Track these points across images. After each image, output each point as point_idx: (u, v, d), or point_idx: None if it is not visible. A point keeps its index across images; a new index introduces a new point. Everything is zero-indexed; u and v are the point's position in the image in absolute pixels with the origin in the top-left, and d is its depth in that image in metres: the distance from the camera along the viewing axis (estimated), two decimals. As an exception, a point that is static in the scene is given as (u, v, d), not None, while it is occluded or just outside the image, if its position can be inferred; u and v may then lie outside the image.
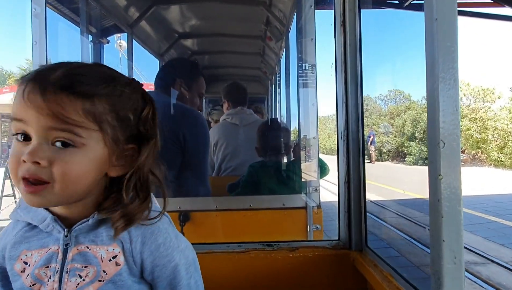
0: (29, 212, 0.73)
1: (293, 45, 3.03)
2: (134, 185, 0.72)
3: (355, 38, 1.37)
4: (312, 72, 2.04)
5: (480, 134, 17.97)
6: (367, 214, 1.33)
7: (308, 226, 1.90)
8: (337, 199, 1.40)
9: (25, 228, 0.74)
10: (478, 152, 18.38)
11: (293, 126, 3.36)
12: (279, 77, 4.62)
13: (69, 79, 0.65)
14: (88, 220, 0.71)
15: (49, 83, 0.64)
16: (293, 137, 2.75)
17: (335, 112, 1.42)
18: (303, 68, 2.09)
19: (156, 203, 0.77)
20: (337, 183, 1.41)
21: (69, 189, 0.66)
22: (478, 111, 19.10)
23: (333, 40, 1.45)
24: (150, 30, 3.74)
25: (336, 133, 1.43)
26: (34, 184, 0.64)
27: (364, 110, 1.37)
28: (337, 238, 1.37)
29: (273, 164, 2.32)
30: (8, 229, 0.77)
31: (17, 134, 0.65)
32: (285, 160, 2.36)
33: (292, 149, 2.41)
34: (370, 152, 19.29)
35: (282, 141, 2.43)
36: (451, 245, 0.70)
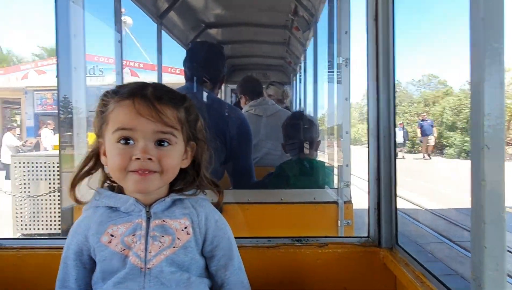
0: (111, 198, 0.92)
1: (322, 37, 2.98)
2: (195, 175, 0.96)
3: (388, 32, 1.33)
4: (346, 66, 2.00)
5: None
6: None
7: (339, 221, 1.91)
8: (361, 194, 1.39)
9: (107, 210, 0.92)
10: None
11: (322, 119, 3.33)
12: (305, 67, 4.56)
13: (161, 94, 0.88)
14: (164, 199, 0.91)
15: (151, 97, 0.86)
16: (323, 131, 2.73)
17: (359, 101, 1.40)
18: (337, 61, 2.05)
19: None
20: (366, 179, 1.40)
21: (170, 176, 0.90)
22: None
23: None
24: (178, 21, 3.77)
25: (367, 130, 1.42)
26: (144, 171, 0.85)
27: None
28: (366, 235, 1.37)
29: (302, 159, 2.31)
30: (85, 218, 0.94)
31: (120, 139, 0.85)
32: (313, 155, 2.35)
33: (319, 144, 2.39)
34: (427, 145, 17.44)
35: (310, 135, 2.42)
36: (493, 251, 0.69)
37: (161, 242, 0.88)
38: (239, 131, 2.21)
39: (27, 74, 15.58)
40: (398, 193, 1.33)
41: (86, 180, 0.95)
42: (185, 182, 0.95)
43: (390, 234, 1.31)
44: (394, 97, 1.31)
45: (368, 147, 1.37)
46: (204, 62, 2.29)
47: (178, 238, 0.89)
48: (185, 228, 0.90)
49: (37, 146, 13.62)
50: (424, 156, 17.55)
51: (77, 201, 0.95)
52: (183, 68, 2.30)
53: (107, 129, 0.88)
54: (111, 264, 0.88)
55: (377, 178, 1.35)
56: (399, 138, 17.48)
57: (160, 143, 0.86)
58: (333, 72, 2.20)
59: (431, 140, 17.25)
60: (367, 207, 1.39)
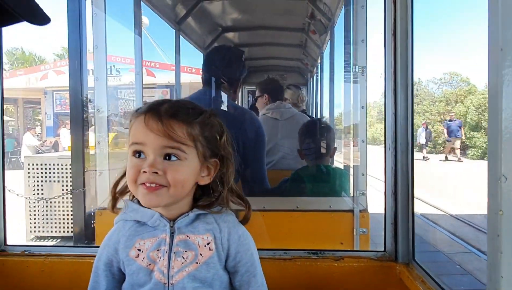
0: (138, 212, 0.95)
1: (339, 42, 2.97)
2: (219, 191, 0.96)
3: (406, 47, 1.33)
4: (363, 74, 2.00)
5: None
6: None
7: (355, 229, 1.91)
8: (375, 195, 1.38)
9: (135, 225, 0.96)
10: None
11: (338, 126, 3.32)
12: (322, 70, 4.55)
13: (175, 110, 0.90)
14: (188, 214, 0.93)
15: (162, 113, 0.88)
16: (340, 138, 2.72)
17: (376, 100, 1.40)
18: (353, 69, 2.05)
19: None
20: (383, 191, 1.40)
21: (178, 191, 0.89)
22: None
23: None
24: (195, 26, 3.82)
25: (384, 142, 1.42)
26: (152, 185, 0.87)
27: (414, 97, 1.33)
28: (383, 249, 1.37)
29: (318, 166, 2.32)
30: (116, 230, 0.98)
31: (134, 153, 0.89)
32: (329, 162, 2.35)
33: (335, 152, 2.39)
34: (453, 147, 16.50)
35: (327, 142, 2.42)
36: (510, 281, 0.69)
37: (183, 258, 0.90)
38: (252, 137, 2.19)
39: (47, 74, 15.70)
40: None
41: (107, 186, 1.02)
42: (210, 198, 0.96)
43: (407, 249, 1.31)
44: (413, 112, 1.31)
45: (385, 162, 1.38)
46: (222, 67, 2.28)
47: (201, 254, 0.91)
48: (208, 244, 0.92)
49: (55, 146, 13.87)
50: (446, 157, 16.90)
51: (113, 211, 0.99)
52: (199, 68, 2.32)
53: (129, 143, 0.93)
54: (138, 278, 0.92)
55: (393, 193, 1.35)
56: (422, 139, 16.90)
57: (168, 157, 0.88)
58: (349, 80, 2.20)
59: (457, 143, 16.37)
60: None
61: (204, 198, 0.96)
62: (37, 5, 0.58)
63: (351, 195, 2.11)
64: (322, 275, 1.33)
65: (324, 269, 1.33)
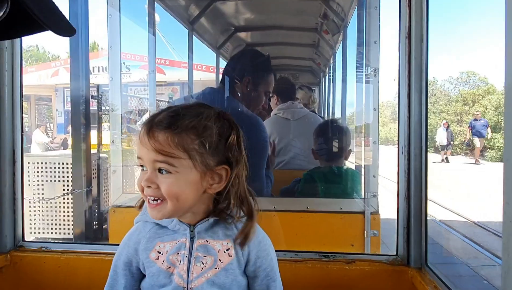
0: None
1: (352, 43, 2.95)
2: (233, 198, 0.90)
3: (421, 50, 1.32)
4: (375, 76, 1.98)
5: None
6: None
7: (366, 232, 1.90)
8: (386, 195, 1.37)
9: (155, 227, 0.95)
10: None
11: (349, 126, 3.31)
12: (334, 72, 4.52)
13: (166, 119, 0.85)
14: (208, 219, 0.92)
15: (153, 124, 0.85)
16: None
17: (390, 99, 1.38)
18: (365, 71, 2.04)
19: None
20: (396, 197, 1.40)
21: (176, 204, 0.86)
22: None
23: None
24: (208, 25, 3.85)
25: (397, 145, 1.41)
26: (155, 200, 0.86)
27: (428, 97, 1.32)
28: (395, 253, 1.37)
29: (331, 168, 2.32)
30: (136, 230, 0.98)
31: (140, 166, 0.89)
32: (342, 163, 2.35)
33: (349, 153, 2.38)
34: (476, 146, 15.24)
35: (342, 144, 2.41)
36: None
37: (203, 263, 0.90)
38: (253, 142, 2.11)
39: (57, 71, 15.55)
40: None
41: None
42: (226, 203, 0.92)
43: (420, 254, 1.31)
44: (427, 116, 1.30)
45: (398, 166, 1.37)
46: (246, 72, 2.16)
47: (220, 260, 0.91)
48: (227, 250, 0.91)
49: (64, 143, 13.86)
50: (477, 161, 15.27)
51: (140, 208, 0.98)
52: (210, 65, 2.25)
53: None
54: (158, 280, 0.92)
55: (407, 197, 1.35)
56: (443, 139, 15.72)
57: (160, 171, 0.85)
58: (362, 81, 2.19)
59: (478, 143, 15.18)
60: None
61: (222, 203, 0.93)
62: (64, 16, 0.60)
63: (362, 197, 2.10)
64: (333, 277, 1.33)
65: (335, 271, 1.33)
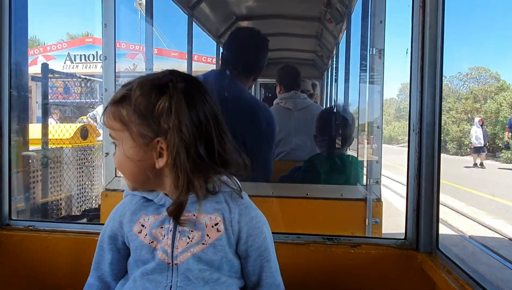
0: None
1: (356, 28, 2.86)
2: (181, 172, 0.81)
3: (437, 21, 1.23)
4: (380, 57, 1.90)
5: None
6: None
7: (367, 219, 1.82)
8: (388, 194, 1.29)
9: (142, 200, 0.91)
10: None
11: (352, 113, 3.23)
12: (337, 60, 4.44)
13: (114, 95, 0.86)
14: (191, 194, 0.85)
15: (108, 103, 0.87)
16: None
17: (394, 96, 1.31)
18: (370, 52, 1.95)
19: (238, 182, 0.90)
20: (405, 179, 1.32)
21: (125, 176, 0.89)
22: None
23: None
24: (209, 12, 3.76)
25: (407, 125, 1.33)
26: None
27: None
28: (403, 237, 1.29)
29: (332, 154, 2.24)
30: (123, 203, 0.95)
31: None
32: (344, 150, 2.26)
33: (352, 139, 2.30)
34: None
35: (344, 130, 2.33)
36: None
37: (189, 238, 0.84)
38: (255, 130, 1.96)
39: (36, 59, 13.71)
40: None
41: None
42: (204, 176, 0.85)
43: (430, 238, 1.22)
44: (441, 89, 1.21)
45: (409, 143, 1.29)
46: (242, 51, 2.06)
47: (208, 235, 0.84)
48: (216, 224, 0.85)
49: None
50: None
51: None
52: (209, 55, 2.19)
53: None
54: (141, 255, 0.87)
55: (417, 177, 1.26)
56: (480, 139, 13.40)
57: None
58: (366, 64, 2.10)
59: None
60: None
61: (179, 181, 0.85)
62: None
63: (364, 183, 2.02)
64: (337, 261, 1.25)
65: (339, 255, 1.26)
